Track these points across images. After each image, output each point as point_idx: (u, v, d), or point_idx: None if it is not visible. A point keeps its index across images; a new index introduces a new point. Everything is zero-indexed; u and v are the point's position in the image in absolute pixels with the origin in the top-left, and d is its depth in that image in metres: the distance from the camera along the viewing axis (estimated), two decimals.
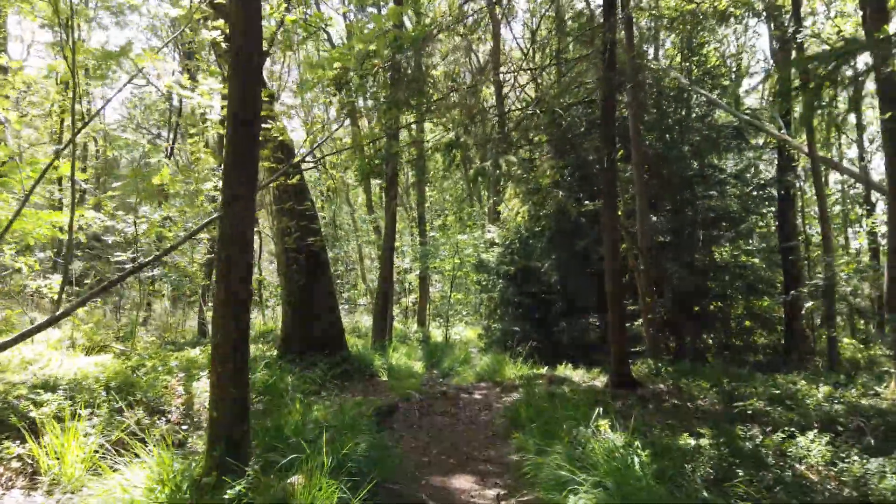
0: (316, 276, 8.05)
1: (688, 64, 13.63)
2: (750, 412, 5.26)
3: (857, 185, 17.49)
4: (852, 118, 17.70)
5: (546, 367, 9.24)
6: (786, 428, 4.60)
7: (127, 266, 6.62)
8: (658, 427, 5.09)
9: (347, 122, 14.18)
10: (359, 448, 4.05)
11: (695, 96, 12.28)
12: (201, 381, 5.70)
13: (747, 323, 12.32)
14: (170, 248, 5.98)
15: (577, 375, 8.29)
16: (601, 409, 5.02)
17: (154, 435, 4.06)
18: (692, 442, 4.30)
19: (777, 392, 5.94)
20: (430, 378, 9.80)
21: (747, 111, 13.84)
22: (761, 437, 4.51)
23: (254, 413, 5.11)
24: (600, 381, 7.97)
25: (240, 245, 3.62)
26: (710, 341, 11.93)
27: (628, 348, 8.26)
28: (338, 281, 29.41)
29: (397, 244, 21.91)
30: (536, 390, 6.86)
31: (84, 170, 16.83)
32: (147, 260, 5.49)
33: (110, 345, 8.03)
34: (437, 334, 17.93)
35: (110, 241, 8.26)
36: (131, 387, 5.18)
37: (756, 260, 12.42)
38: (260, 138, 4.17)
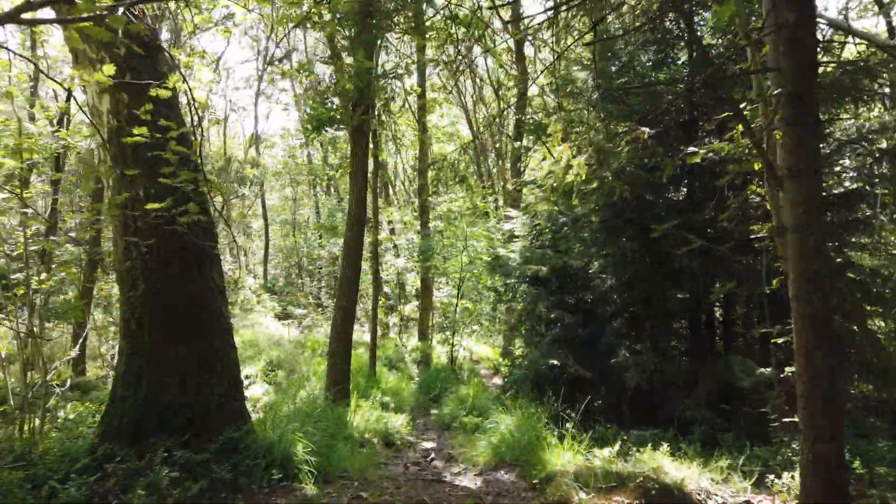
0: (184, 281, 4.19)
1: None
2: None
3: None
4: None
5: (615, 443, 5.25)
6: None
7: None
8: None
9: None
10: None
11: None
12: None
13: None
14: None
15: (691, 477, 4.26)
16: None
17: None
18: None
19: None
20: (409, 451, 5.90)
21: None
22: None
23: None
24: (744, 492, 3.98)
25: None
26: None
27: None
28: (321, 285, 25.64)
29: (386, 238, 18.07)
30: None
31: None
32: None
33: None
34: (440, 353, 14.01)
35: None
36: None
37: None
38: None
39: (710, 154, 4.84)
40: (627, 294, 7.67)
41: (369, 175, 13.76)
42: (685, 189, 7.94)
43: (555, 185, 4.71)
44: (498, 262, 9.47)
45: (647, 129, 4.86)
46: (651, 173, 6.82)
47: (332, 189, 25.78)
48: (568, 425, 5.47)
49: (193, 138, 4.06)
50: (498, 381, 13.75)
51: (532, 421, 5.70)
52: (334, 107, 7.04)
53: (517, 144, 14.01)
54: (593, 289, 8.12)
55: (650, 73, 7.95)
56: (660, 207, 7.46)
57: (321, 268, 26.02)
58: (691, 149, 4.73)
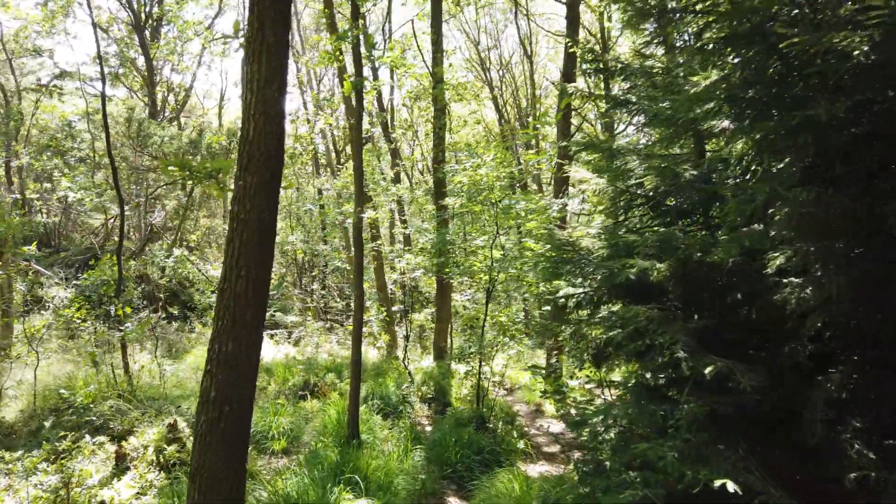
0: None
1: None
2: None
3: None
4: None
5: None
6: None
7: None
8: None
9: None
10: None
11: None
12: None
13: None
14: None
15: None
16: None
17: None
18: None
19: None
20: None
21: None
22: None
23: None
24: None
25: None
26: None
27: None
28: (324, 284, 21.86)
29: (373, 216, 14.05)
30: None
31: None
32: None
33: None
34: (462, 387, 9.94)
35: None
36: None
37: None
38: None
39: None
40: (865, 319, 3.49)
41: (353, 103, 9.88)
42: None
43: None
44: (560, 252, 5.34)
45: None
46: None
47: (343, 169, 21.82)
48: None
49: None
50: (543, 423, 9.68)
51: None
52: None
53: (571, 87, 9.80)
54: (768, 308, 3.96)
55: None
56: None
57: (325, 265, 22.17)
58: None
